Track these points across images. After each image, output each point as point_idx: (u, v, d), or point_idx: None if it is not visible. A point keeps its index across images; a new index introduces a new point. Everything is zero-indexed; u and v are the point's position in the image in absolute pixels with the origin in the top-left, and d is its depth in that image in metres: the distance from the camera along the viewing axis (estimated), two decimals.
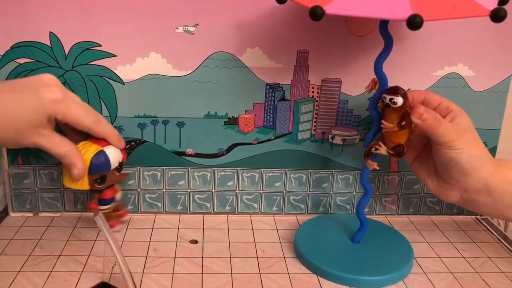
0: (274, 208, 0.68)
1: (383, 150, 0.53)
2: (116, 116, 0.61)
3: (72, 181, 0.52)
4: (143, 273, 0.53)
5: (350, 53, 0.61)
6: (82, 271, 0.53)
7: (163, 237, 0.61)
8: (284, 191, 0.67)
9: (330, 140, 0.65)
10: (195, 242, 0.60)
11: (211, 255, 0.57)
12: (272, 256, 0.58)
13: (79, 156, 0.51)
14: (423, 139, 0.55)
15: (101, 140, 0.54)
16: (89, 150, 0.52)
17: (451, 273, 0.56)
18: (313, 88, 0.63)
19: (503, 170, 0.51)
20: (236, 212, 0.67)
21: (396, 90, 0.50)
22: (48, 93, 0.47)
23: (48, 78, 0.49)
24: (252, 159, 0.64)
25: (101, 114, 0.61)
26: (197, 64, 0.60)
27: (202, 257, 0.57)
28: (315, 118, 0.64)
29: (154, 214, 0.66)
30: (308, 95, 0.63)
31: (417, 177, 0.57)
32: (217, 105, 0.62)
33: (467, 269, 0.57)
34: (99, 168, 0.53)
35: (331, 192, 0.68)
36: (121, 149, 0.56)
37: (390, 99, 0.49)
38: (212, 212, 0.67)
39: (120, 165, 0.56)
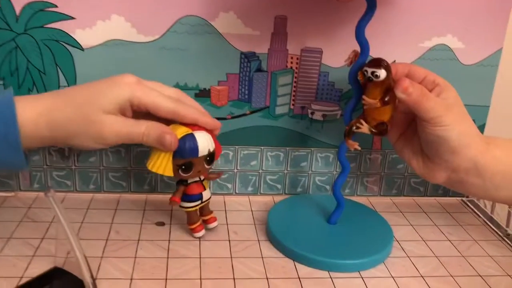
0: (249, 189, 0.63)
1: (365, 128, 0.48)
2: None
3: (167, 149, 0.45)
4: (101, 257, 0.48)
5: (332, 20, 0.57)
6: (34, 256, 0.48)
7: (127, 218, 0.56)
8: (260, 170, 0.62)
9: (310, 116, 0.61)
10: (162, 224, 0.55)
11: (178, 238, 0.53)
12: (246, 239, 0.53)
13: (163, 126, 0.45)
14: (407, 116, 0.51)
15: (193, 126, 0.47)
16: (176, 131, 0.46)
17: (436, 257, 0.53)
18: (291, 58, 0.58)
19: (492, 148, 0.48)
20: None
21: (378, 63, 0.45)
22: (122, 78, 0.44)
23: (124, 75, 0.45)
24: (225, 135, 0.59)
25: (58, 83, 0.55)
26: (164, 29, 0.55)
27: (169, 240, 0.52)
28: (294, 91, 0.59)
29: (119, 194, 0.61)
30: (287, 66, 0.58)
31: (400, 157, 0.53)
32: (187, 76, 0.57)
33: (453, 253, 0.54)
34: (184, 152, 0.46)
35: (309, 172, 0.63)
36: (214, 141, 0.49)
37: (372, 72, 0.45)
38: None
39: (210, 156, 0.48)
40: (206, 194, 0.51)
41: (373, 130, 0.48)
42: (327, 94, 0.60)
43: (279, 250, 0.51)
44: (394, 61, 0.59)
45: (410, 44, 0.59)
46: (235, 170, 0.62)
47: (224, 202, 0.62)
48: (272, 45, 0.57)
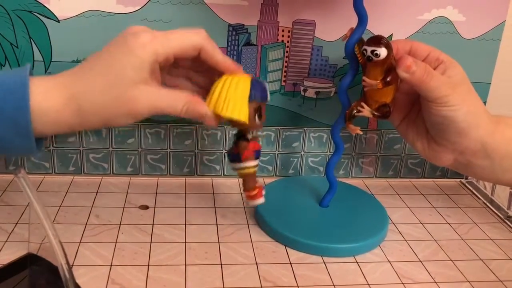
0: None
1: (366, 111, 0.45)
2: (50, 61, 0.52)
3: (214, 122, 0.41)
4: (79, 242, 0.45)
5: None
6: (6, 241, 0.45)
7: (108, 202, 0.53)
8: None
9: (302, 93, 0.57)
10: (146, 207, 0.52)
11: (163, 222, 0.50)
12: (234, 222, 0.51)
13: (201, 102, 0.41)
14: (410, 96, 0.48)
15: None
16: (242, 76, 0.42)
17: (435, 240, 0.50)
18: (283, 31, 0.54)
19: (502, 128, 0.45)
20: (196, 175, 0.59)
21: (378, 40, 0.42)
22: (136, 39, 0.38)
23: (134, 28, 0.40)
24: None
25: (33, 58, 0.52)
26: None
27: (152, 224, 0.49)
28: (285, 67, 0.56)
29: (100, 177, 0.58)
30: (278, 40, 0.55)
31: (405, 139, 0.50)
32: None
33: (452, 236, 0.51)
34: (261, 92, 0.42)
35: (302, 153, 0.60)
36: None
37: (372, 51, 0.42)
38: (168, 174, 0.59)
39: (260, 110, 0.43)
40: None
41: (375, 113, 0.45)
42: (320, 70, 0.57)
43: (269, 234, 0.48)
44: (391, 35, 0.56)
45: (408, 17, 0.56)
46: (224, 151, 0.58)
47: (212, 184, 0.58)
48: (262, 17, 0.53)
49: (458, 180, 0.65)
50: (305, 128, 0.59)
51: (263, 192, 0.46)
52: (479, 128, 0.43)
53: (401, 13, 0.55)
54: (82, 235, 0.46)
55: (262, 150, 0.58)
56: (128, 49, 0.38)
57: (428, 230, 0.52)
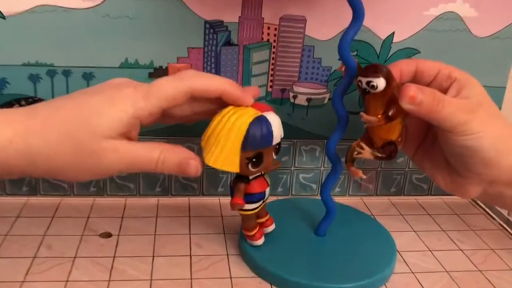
0: (220, 189, 0.52)
1: (366, 153, 0.38)
2: None
3: (196, 174, 0.35)
4: (22, 281, 0.38)
5: None
6: None
7: (65, 228, 0.45)
8: None
9: (292, 100, 0.50)
10: (108, 235, 0.44)
11: (126, 253, 0.42)
12: (211, 253, 0.43)
13: (183, 149, 0.35)
14: (422, 122, 0.41)
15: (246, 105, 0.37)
16: (244, 114, 0.36)
17: (447, 272, 0.43)
18: (268, 28, 0.47)
19: None
20: (170, 195, 0.52)
21: (374, 69, 0.35)
22: (119, 91, 0.34)
23: (119, 85, 0.35)
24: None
25: None
26: None
27: (114, 257, 0.41)
28: (272, 70, 0.49)
29: (59, 198, 0.50)
30: (262, 39, 0.47)
31: (423, 172, 0.42)
32: (138, 51, 0.46)
33: (466, 266, 0.44)
34: (258, 140, 0.35)
35: (292, 168, 0.53)
36: None
37: (368, 83, 0.35)
38: (137, 194, 0.51)
39: (279, 144, 0.38)
40: (268, 191, 0.40)
41: (378, 155, 0.38)
42: (312, 73, 0.49)
43: (253, 269, 0.41)
44: (393, 33, 0.49)
45: (412, 12, 0.48)
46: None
47: (189, 205, 0.51)
48: (244, 12, 0.46)
49: None
50: (295, 140, 0.52)
51: (263, 232, 0.42)
52: (510, 155, 0.36)
53: (404, 8, 0.48)
54: (27, 271, 0.39)
55: None
56: (107, 97, 0.33)
57: (438, 259, 0.45)
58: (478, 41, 0.50)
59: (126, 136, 0.33)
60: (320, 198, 0.44)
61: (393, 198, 0.56)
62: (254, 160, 0.36)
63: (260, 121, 0.35)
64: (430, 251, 0.46)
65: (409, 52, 0.50)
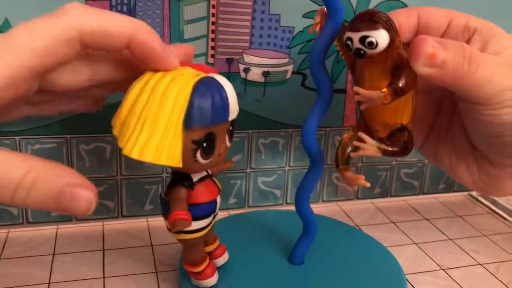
0: (148, 206, 0.37)
1: (369, 147, 0.25)
2: None
3: (86, 212, 0.20)
4: None
5: None
6: None
7: None
8: (164, 173, 0.37)
9: (243, 75, 0.36)
10: None
11: None
12: None
13: (69, 170, 0.20)
14: (432, 97, 0.30)
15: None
16: (180, 75, 0.23)
17: None
18: None
19: None
20: (73, 220, 0.36)
21: (371, 18, 0.23)
22: None
23: None
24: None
25: None
26: None
27: None
28: (213, 32, 0.35)
29: None
30: None
31: (436, 166, 0.30)
32: (21, 8, 0.30)
33: (492, 284, 0.32)
34: (209, 112, 0.23)
35: (248, 170, 0.39)
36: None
37: (363, 40, 0.23)
38: (72, 219, 0.35)
39: (233, 125, 0.25)
40: (219, 200, 0.27)
41: (389, 149, 0.25)
42: (269, 35, 0.36)
43: None
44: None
45: None
46: (119, 177, 0.36)
47: (103, 232, 0.35)
48: None
49: (466, 192, 0.46)
50: (250, 131, 0.38)
51: (217, 263, 0.29)
52: None
53: None
54: None
55: None
56: None
57: (457, 281, 0.33)
58: None
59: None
60: (287, 209, 0.30)
61: (378, 202, 0.43)
62: (204, 145, 0.23)
63: (208, 84, 0.23)
64: (443, 269, 0.34)
65: (393, 5, 0.38)
